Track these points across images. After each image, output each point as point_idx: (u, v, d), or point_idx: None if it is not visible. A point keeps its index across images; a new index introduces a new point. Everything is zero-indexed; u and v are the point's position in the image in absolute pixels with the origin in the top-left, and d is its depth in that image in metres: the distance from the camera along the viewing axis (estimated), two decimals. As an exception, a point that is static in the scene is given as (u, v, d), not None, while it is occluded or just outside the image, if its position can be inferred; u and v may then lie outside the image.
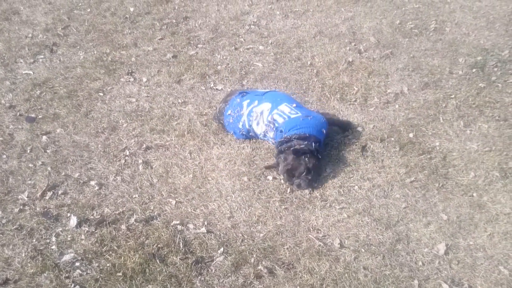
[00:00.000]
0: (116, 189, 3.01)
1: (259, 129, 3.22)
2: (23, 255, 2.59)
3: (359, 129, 3.41)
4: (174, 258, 2.55)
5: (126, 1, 5.18)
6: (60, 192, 2.99)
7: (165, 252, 2.60)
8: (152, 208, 2.89)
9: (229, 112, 3.31)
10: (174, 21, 4.82)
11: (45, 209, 2.87)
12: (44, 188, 2.99)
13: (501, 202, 2.83)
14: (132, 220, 2.79)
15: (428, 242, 2.64)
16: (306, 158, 2.95)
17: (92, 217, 2.82)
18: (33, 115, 3.62)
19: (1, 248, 2.64)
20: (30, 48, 4.42)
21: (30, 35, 4.62)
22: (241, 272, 2.50)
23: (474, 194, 2.89)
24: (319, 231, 2.72)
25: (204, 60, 4.21)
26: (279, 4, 5.04)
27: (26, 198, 2.94)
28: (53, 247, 2.64)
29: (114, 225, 2.76)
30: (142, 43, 4.50)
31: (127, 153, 3.27)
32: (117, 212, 2.86)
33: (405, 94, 3.71)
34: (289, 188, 2.97)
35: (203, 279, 2.47)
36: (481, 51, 4.08)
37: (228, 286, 2.44)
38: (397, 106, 3.60)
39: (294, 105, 3.22)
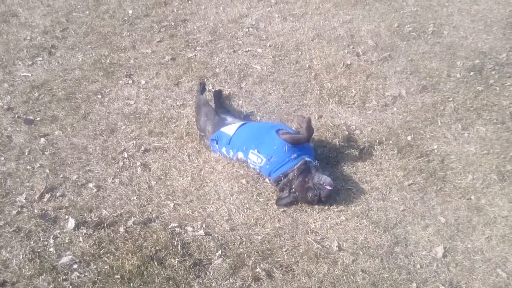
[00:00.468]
0: (114, 192, 3.01)
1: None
2: (21, 257, 2.58)
3: (357, 132, 3.41)
4: (172, 260, 2.55)
5: (124, 4, 5.18)
6: (58, 194, 2.98)
7: (163, 255, 2.59)
8: (150, 210, 2.88)
9: (214, 143, 3.23)
10: (172, 23, 4.82)
11: (43, 211, 2.86)
12: (42, 190, 2.98)
13: (499, 205, 2.84)
14: (130, 223, 2.79)
15: (426, 245, 2.64)
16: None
17: (90, 219, 2.82)
18: (31, 117, 3.62)
19: (-1, 250, 2.64)
20: (28, 50, 4.42)
21: (28, 37, 4.62)
22: (239, 274, 2.50)
23: (472, 197, 2.90)
24: (317, 234, 2.72)
25: (202, 62, 4.21)
26: (278, 7, 5.05)
27: (24, 200, 2.93)
28: (51, 249, 2.64)
29: (112, 228, 2.75)
30: (141, 46, 4.50)
31: (125, 156, 3.27)
32: (115, 214, 2.85)
33: (403, 97, 3.71)
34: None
35: (201, 281, 2.47)
36: (479, 54, 4.10)
37: (226, 289, 2.44)
38: (395, 109, 3.61)
39: (256, 150, 3.01)
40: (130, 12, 5.02)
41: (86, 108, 3.71)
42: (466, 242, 2.65)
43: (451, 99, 3.65)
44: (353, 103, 3.68)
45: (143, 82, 4.01)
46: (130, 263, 2.52)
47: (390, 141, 3.31)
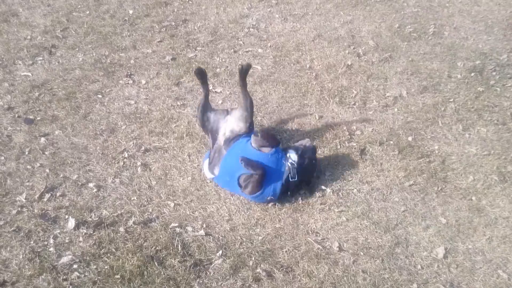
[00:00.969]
0: (114, 191, 3.00)
1: None
2: (21, 257, 2.57)
3: (358, 132, 3.41)
4: (173, 260, 2.54)
5: (125, 4, 5.18)
6: (58, 194, 2.98)
7: (164, 255, 2.59)
8: (150, 210, 2.88)
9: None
10: (173, 23, 4.82)
11: (43, 211, 2.85)
12: (42, 190, 2.98)
13: (500, 206, 2.83)
14: (130, 223, 2.78)
15: (427, 245, 2.64)
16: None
17: (90, 219, 2.81)
18: (31, 117, 3.61)
19: (-1, 250, 2.63)
20: (28, 50, 4.41)
21: (29, 37, 4.61)
22: (240, 275, 2.49)
23: (473, 198, 2.89)
24: (318, 234, 2.71)
25: (203, 62, 4.21)
26: (278, 7, 5.05)
27: (24, 200, 2.93)
28: (51, 249, 2.63)
29: (112, 228, 2.75)
30: (141, 46, 4.49)
31: (126, 155, 3.26)
32: (115, 214, 2.84)
33: (404, 98, 3.71)
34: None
35: (201, 282, 2.46)
36: (480, 55, 4.10)
37: (227, 289, 2.44)
38: (396, 109, 3.61)
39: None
40: (131, 12, 5.01)
41: (86, 108, 3.71)
42: (467, 243, 2.65)
43: (452, 99, 3.65)
44: (354, 104, 3.67)
45: (143, 82, 4.01)
46: (130, 263, 2.51)
47: (391, 142, 3.30)
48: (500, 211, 2.80)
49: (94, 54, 4.37)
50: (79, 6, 5.16)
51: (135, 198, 2.96)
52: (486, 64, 3.98)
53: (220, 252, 2.60)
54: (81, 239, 2.68)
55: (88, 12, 5.04)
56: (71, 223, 2.75)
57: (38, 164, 3.19)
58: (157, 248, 2.62)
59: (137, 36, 4.64)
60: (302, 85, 3.90)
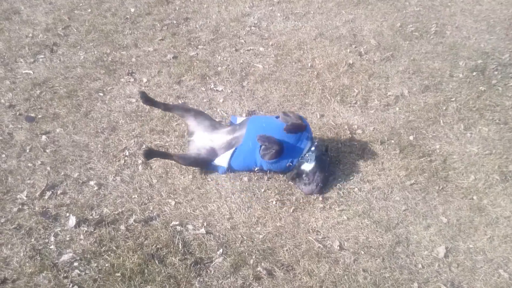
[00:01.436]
0: (115, 189, 3.01)
1: None
2: (22, 254, 2.58)
3: (359, 131, 3.40)
4: (173, 259, 2.54)
5: (126, 2, 5.18)
6: (59, 192, 2.98)
7: (164, 253, 2.59)
8: (151, 208, 2.88)
9: None
10: (174, 22, 4.81)
11: (44, 209, 2.86)
12: (43, 187, 2.98)
13: (501, 205, 2.83)
14: (131, 221, 2.79)
15: (428, 244, 2.63)
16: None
17: (91, 217, 2.81)
18: (32, 115, 3.62)
19: (0, 247, 2.63)
20: (30, 48, 4.41)
21: (30, 35, 4.61)
22: (240, 273, 2.49)
23: (474, 197, 2.89)
24: (319, 233, 2.71)
25: (204, 61, 4.20)
26: (280, 6, 5.04)
27: (25, 198, 2.93)
28: (52, 247, 2.63)
29: (113, 225, 2.75)
30: (143, 44, 4.49)
31: (127, 154, 3.26)
32: (116, 212, 2.85)
33: (405, 97, 3.71)
34: (288, 190, 2.96)
35: (202, 280, 2.46)
36: (482, 55, 4.09)
37: (227, 288, 2.44)
38: (397, 108, 3.60)
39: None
40: (132, 10, 5.01)
41: (87, 106, 3.71)
42: (468, 242, 2.64)
43: (453, 99, 3.64)
44: (355, 103, 3.67)
45: (144, 80, 4.01)
46: (131, 261, 2.52)
47: (392, 141, 3.30)
48: (501, 211, 2.80)
49: (95, 52, 4.37)
50: (81, 4, 5.15)
51: (136, 196, 2.96)
52: (488, 64, 3.97)
53: (221, 250, 2.60)
54: (82, 237, 2.68)
55: (89, 10, 5.04)
56: (72, 221, 2.75)
57: (39, 162, 3.19)
58: (157, 246, 2.63)
59: (138, 34, 4.64)
60: (304, 83, 3.89)
